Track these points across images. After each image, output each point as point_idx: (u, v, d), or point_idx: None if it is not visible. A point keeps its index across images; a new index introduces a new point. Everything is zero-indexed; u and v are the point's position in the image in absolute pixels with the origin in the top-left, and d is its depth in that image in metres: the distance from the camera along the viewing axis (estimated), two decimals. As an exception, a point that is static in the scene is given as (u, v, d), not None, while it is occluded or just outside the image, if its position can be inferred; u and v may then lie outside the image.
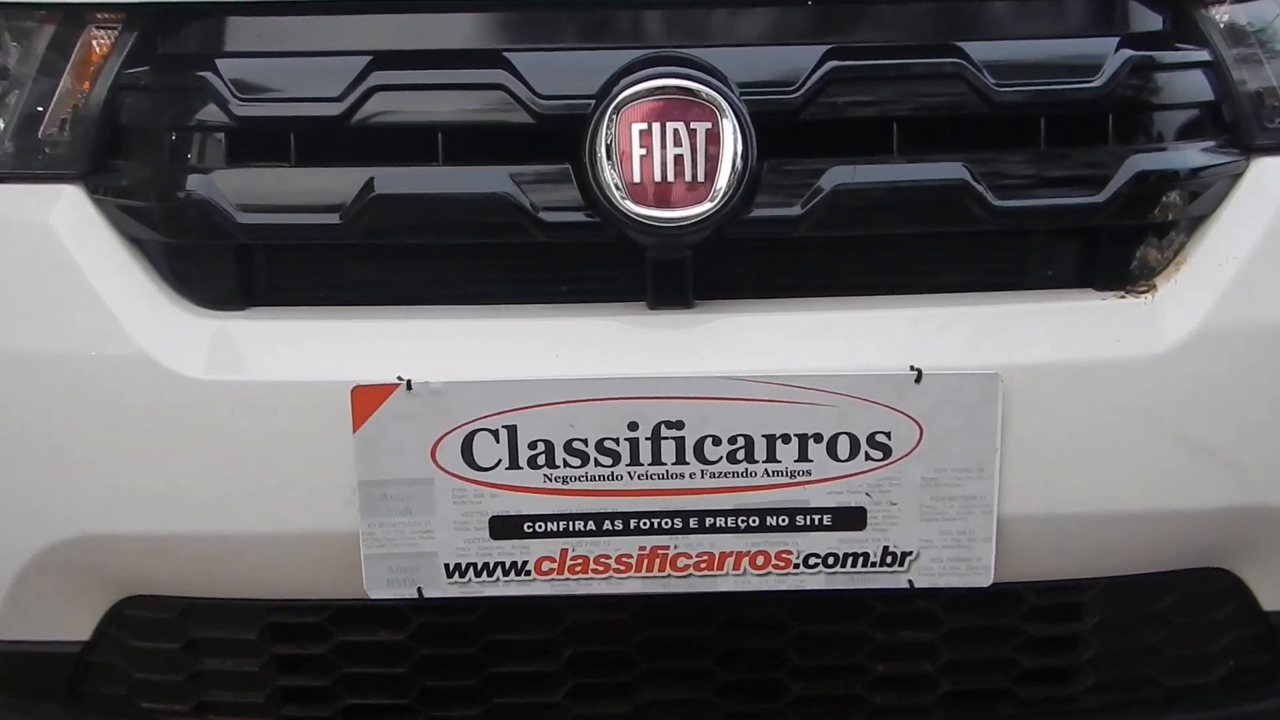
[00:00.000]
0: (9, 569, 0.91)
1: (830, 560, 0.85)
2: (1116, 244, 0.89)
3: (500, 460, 0.82)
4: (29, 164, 0.92)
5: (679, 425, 0.82)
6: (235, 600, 0.93)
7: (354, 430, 0.82)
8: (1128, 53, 0.87)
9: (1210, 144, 0.90)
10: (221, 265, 0.88)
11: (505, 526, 0.84)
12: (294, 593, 0.92)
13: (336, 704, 0.97)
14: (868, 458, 0.82)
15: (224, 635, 0.96)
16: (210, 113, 0.86)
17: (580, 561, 0.84)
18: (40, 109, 0.92)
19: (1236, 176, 0.91)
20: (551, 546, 0.84)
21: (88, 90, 0.91)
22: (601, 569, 0.85)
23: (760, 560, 0.84)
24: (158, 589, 0.93)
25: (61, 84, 0.92)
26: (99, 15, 0.91)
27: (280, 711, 0.97)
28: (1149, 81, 0.89)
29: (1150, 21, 0.91)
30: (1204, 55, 0.90)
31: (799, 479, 0.83)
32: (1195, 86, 0.90)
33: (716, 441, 0.82)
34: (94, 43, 0.92)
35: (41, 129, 0.92)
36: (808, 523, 0.84)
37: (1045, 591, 0.93)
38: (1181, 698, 0.99)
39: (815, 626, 0.93)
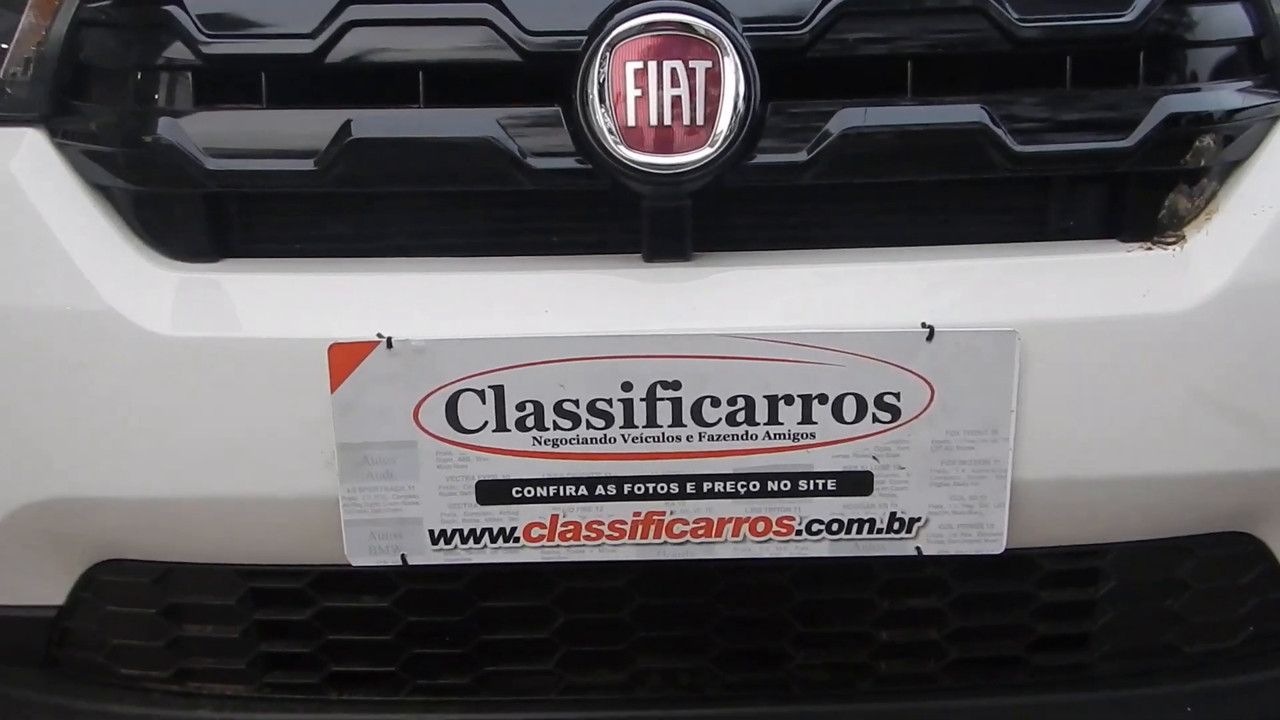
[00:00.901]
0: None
1: (835, 527, 0.81)
2: (1145, 191, 0.84)
3: (487, 422, 0.78)
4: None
5: (675, 385, 0.77)
6: (214, 565, 0.90)
7: (331, 390, 0.78)
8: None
9: (1248, 84, 0.85)
10: (191, 215, 0.84)
11: (492, 491, 0.80)
12: (274, 558, 0.88)
13: (321, 671, 0.94)
14: (875, 419, 0.78)
15: (203, 601, 0.93)
16: (177, 50, 0.81)
17: (572, 528, 0.80)
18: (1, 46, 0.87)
19: (1276, 119, 0.85)
20: (541, 512, 0.80)
21: (48, 26, 0.86)
22: (594, 535, 0.81)
23: (761, 527, 0.81)
24: (134, 553, 0.90)
25: (22, 21, 0.87)
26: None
27: (263, 679, 0.94)
28: (1183, 16, 0.83)
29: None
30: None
31: (802, 442, 0.79)
32: (1233, 21, 0.85)
33: (715, 403, 0.78)
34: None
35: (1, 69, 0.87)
36: (811, 488, 0.80)
37: (1061, 557, 0.89)
38: (1202, 665, 0.96)
39: (818, 594, 0.90)
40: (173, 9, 0.81)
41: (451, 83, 0.81)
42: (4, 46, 0.88)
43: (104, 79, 0.85)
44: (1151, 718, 0.96)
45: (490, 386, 0.78)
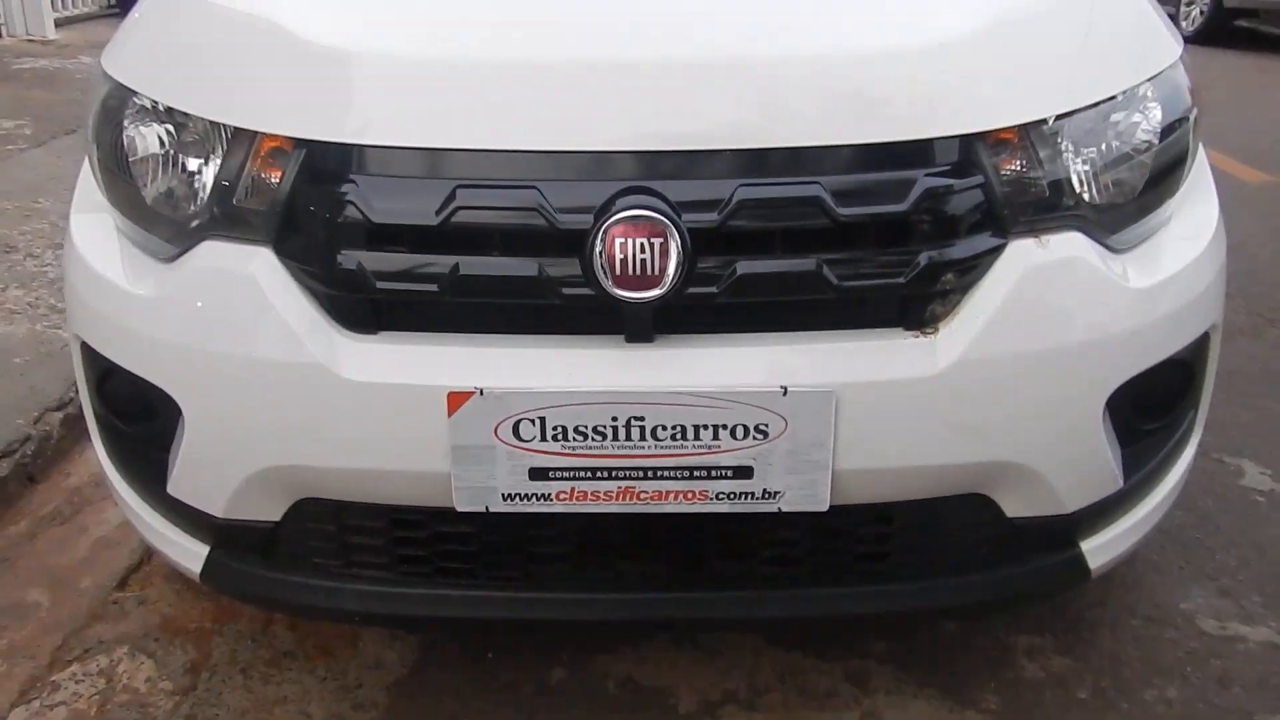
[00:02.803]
0: (237, 480, 1.46)
1: (731, 496, 1.39)
2: (916, 303, 1.39)
3: (535, 436, 1.36)
4: (240, 232, 1.43)
5: (641, 418, 1.35)
6: (371, 504, 1.49)
7: (448, 416, 1.36)
8: (927, 181, 1.35)
9: (982, 234, 1.39)
10: (363, 307, 1.39)
11: (538, 473, 1.38)
12: (409, 501, 1.47)
13: (429, 565, 1.54)
14: (753, 438, 1.36)
15: (363, 523, 1.52)
16: (356, 214, 1.36)
17: (581, 494, 1.39)
18: (246, 198, 1.43)
19: (998, 251, 1.41)
20: (565, 485, 1.39)
21: (277, 184, 1.42)
22: (593, 498, 1.39)
23: (689, 495, 1.39)
24: (323, 494, 1.48)
25: (260, 180, 1.42)
26: (280, 138, 1.42)
27: (397, 568, 1.56)
28: (938, 202, 1.36)
29: (948, 157, 1.38)
30: (979, 179, 1.38)
31: (713, 450, 1.36)
32: (971, 198, 1.38)
33: (664, 428, 1.35)
34: (278, 155, 1.42)
35: (247, 211, 1.43)
36: (718, 475, 1.38)
37: (867, 509, 1.48)
38: (958, 569, 1.57)
39: (724, 529, 1.50)
40: (354, 189, 1.37)
41: (516, 239, 1.36)
42: (246, 198, 1.43)
43: (311, 222, 1.39)
44: (927, 598, 1.55)
45: (538, 417, 1.35)
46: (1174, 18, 10.20)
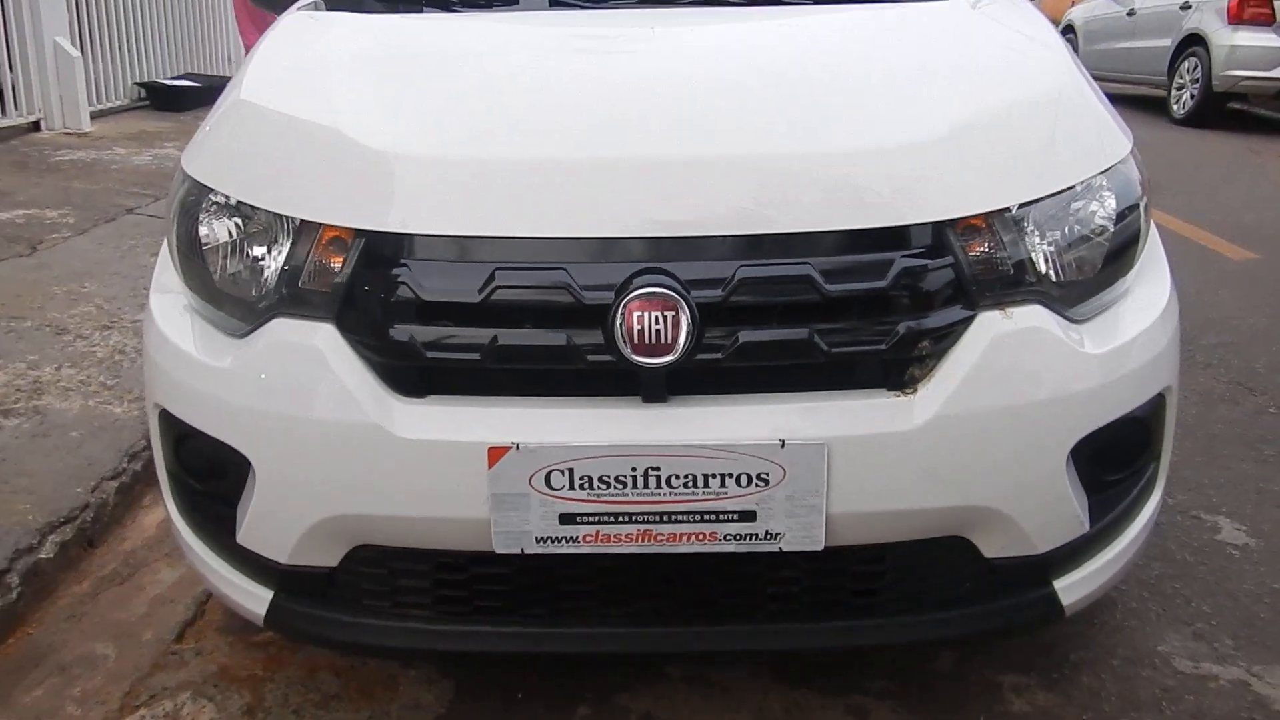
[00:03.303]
0: (301, 529, 1.65)
1: (737, 537, 1.58)
2: (897, 366, 1.60)
3: (564, 485, 1.56)
4: (305, 310, 1.65)
5: (658, 469, 1.54)
6: (417, 549, 1.69)
7: (488, 468, 1.56)
8: (904, 262, 1.58)
9: (954, 307, 1.60)
10: (414, 373, 1.60)
11: (567, 518, 1.57)
12: (451, 545, 1.66)
13: (469, 605, 1.73)
14: (756, 485, 1.55)
15: (410, 566, 1.71)
16: (409, 295, 1.57)
17: (605, 537, 1.58)
18: (310, 281, 1.65)
19: (968, 322, 1.62)
20: (591, 529, 1.58)
21: (339, 270, 1.63)
22: (616, 540, 1.58)
23: (700, 537, 1.58)
24: (376, 541, 1.67)
25: (323, 265, 1.64)
26: (340, 229, 1.64)
27: (438, 607, 1.74)
28: (915, 279, 1.58)
29: (922, 240, 1.60)
30: (950, 259, 1.59)
31: (720, 496, 1.56)
32: (943, 275, 1.60)
33: (678, 478, 1.54)
34: (339, 243, 1.64)
35: (311, 293, 1.65)
36: (725, 518, 1.57)
37: (859, 549, 1.66)
38: (942, 604, 1.74)
39: (731, 569, 1.68)
40: (407, 273, 1.59)
41: (547, 313, 1.58)
42: (310, 280, 1.64)
43: (368, 301, 1.60)
44: (913, 631, 1.73)
45: (567, 468, 1.55)
46: (1167, 102, 10.55)
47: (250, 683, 2.13)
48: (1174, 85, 10.48)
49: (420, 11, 2.49)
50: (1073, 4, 12.98)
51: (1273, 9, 9.50)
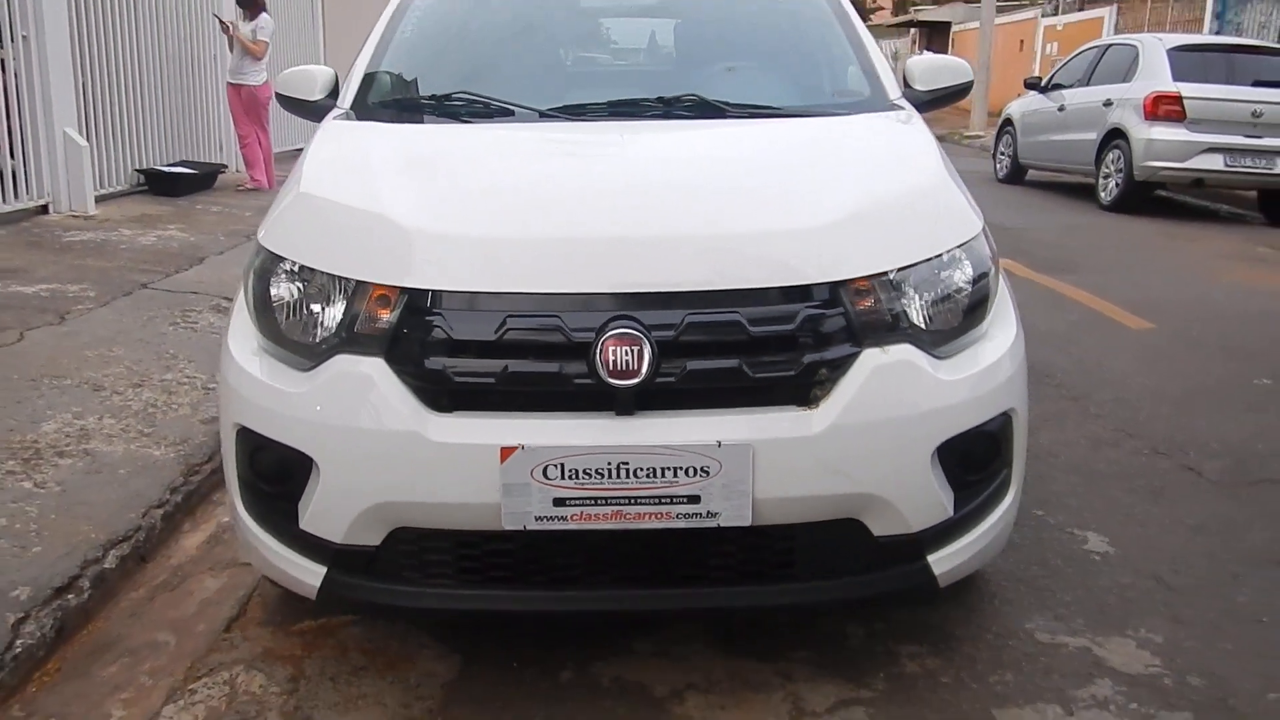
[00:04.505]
0: (353, 514, 2.16)
1: (685, 515, 2.11)
2: (803, 387, 2.15)
3: (557, 476, 2.08)
4: (360, 349, 2.19)
5: (627, 463, 2.07)
6: (443, 529, 2.21)
7: (500, 464, 2.09)
8: (808, 311, 2.14)
9: (845, 345, 2.17)
10: (444, 394, 2.13)
11: (559, 502, 2.09)
12: (468, 526, 2.17)
13: (481, 574, 2.25)
14: (699, 476, 2.08)
15: (437, 544, 2.22)
16: (441, 335, 2.12)
17: (588, 516, 2.10)
18: (364, 327, 2.20)
19: (855, 356, 2.19)
20: (577, 510, 2.09)
21: (387, 318, 2.18)
22: (596, 519, 2.10)
23: (658, 516, 2.10)
24: (410, 524, 2.18)
25: (374, 315, 2.18)
26: (387, 288, 2.19)
27: (458, 576, 2.26)
28: (814, 324, 2.14)
29: (821, 296, 2.17)
30: (842, 310, 2.16)
31: (673, 484, 2.08)
32: (838, 323, 2.16)
33: (642, 470, 2.07)
34: (386, 299, 2.19)
35: (365, 336, 2.19)
36: (677, 500, 2.09)
37: (778, 526, 2.19)
38: (842, 572, 2.28)
39: (680, 540, 2.21)
40: (437, 319, 2.14)
41: (545, 348, 2.12)
42: (363, 327, 2.20)
43: (409, 341, 2.14)
44: (821, 594, 2.26)
45: (559, 463, 2.06)
46: (1095, 189, 11.38)
47: (292, 660, 2.62)
48: (1101, 174, 11.33)
49: (436, 122, 3.08)
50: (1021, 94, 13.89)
51: (1183, 107, 10.39)
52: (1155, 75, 10.77)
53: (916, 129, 2.90)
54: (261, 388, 2.29)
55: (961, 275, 2.34)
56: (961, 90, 3.44)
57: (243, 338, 2.44)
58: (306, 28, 13.91)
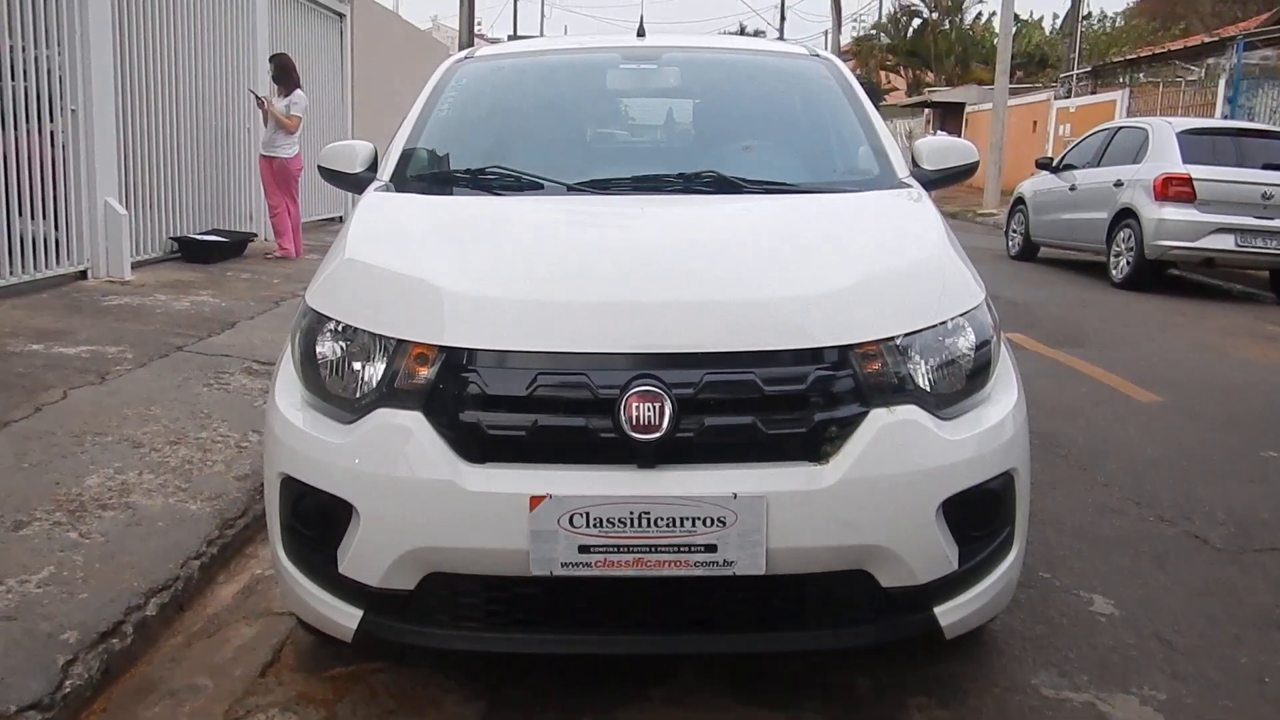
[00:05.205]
0: (390, 559, 2.30)
1: (702, 564, 2.24)
2: (814, 443, 2.30)
3: (583, 524, 2.22)
4: (399, 403, 2.34)
5: (648, 513, 2.21)
6: (473, 575, 2.35)
7: (529, 511, 2.23)
8: (818, 373, 2.30)
9: (854, 405, 2.32)
10: (478, 445, 2.29)
11: (584, 549, 2.23)
12: (498, 570, 2.31)
13: (507, 617, 2.38)
14: (716, 526, 2.22)
15: (468, 588, 2.36)
16: (475, 391, 2.28)
17: (610, 563, 2.24)
18: (404, 382, 2.35)
19: (864, 415, 2.33)
20: (600, 556, 2.23)
21: (425, 374, 2.34)
22: (618, 565, 2.24)
23: (677, 563, 2.24)
24: (443, 568, 2.32)
25: (413, 371, 2.35)
26: (426, 346, 2.36)
27: (487, 620, 2.39)
28: (824, 385, 2.29)
29: (832, 359, 2.33)
30: (850, 372, 2.32)
31: (691, 534, 2.22)
32: (847, 384, 2.31)
33: (662, 520, 2.21)
34: (424, 357, 2.35)
35: (404, 391, 2.35)
36: (695, 549, 2.22)
37: (790, 577, 2.33)
38: (851, 621, 2.40)
39: (696, 587, 2.33)
40: (473, 375, 2.31)
41: (572, 404, 2.27)
42: (402, 383, 2.36)
43: (446, 395, 2.30)
44: (830, 641, 2.38)
45: (585, 512, 2.21)
46: (1107, 267, 11.55)
47: (325, 703, 2.74)
48: (1112, 253, 11.51)
49: (470, 194, 3.27)
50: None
51: (1193, 189, 10.59)
52: (1165, 157, 11.00)
53: (923, 206, 3.08)
54: (306, 439, 2.45)
55: (964, 342, 2.49)
56: (968, 170, 3.62)
57: (288, 392, 2.60)
58: (336, 104, 14.33)
